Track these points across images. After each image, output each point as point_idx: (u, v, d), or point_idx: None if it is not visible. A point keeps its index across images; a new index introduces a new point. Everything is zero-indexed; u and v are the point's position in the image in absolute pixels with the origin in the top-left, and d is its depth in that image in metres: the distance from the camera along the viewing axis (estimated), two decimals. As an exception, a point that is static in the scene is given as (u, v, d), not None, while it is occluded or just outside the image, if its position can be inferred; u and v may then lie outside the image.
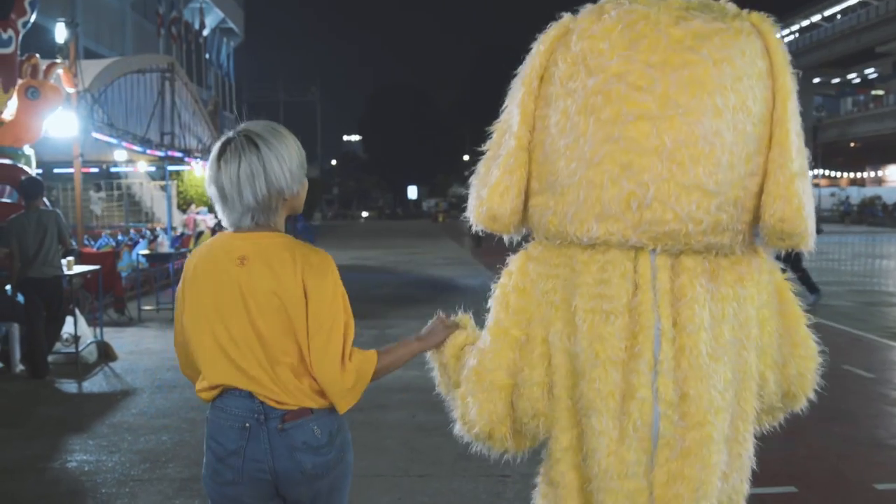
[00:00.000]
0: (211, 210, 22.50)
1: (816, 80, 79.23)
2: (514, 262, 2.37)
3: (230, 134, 2.31)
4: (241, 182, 2.24)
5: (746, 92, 2.04)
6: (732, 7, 2.14)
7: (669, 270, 2.14)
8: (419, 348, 2.55)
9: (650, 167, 2.02)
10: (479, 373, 2.32)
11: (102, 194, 19.45)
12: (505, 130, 2.30)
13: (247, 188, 2.24)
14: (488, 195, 2.26)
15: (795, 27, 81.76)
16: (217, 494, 2.42)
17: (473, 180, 2.37)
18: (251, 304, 2.27)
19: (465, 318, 2.59)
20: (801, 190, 2.11)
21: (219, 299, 2.31)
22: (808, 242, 2.17)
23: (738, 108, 2.02)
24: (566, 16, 2.22)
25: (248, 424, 2.31)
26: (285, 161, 2.28)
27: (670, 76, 2.00)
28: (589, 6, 2.19)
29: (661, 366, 2.10)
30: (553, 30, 2.21)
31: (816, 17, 77.64)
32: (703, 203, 2.03)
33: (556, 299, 2.23)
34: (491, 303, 2.39)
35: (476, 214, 2.33)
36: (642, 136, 2.02)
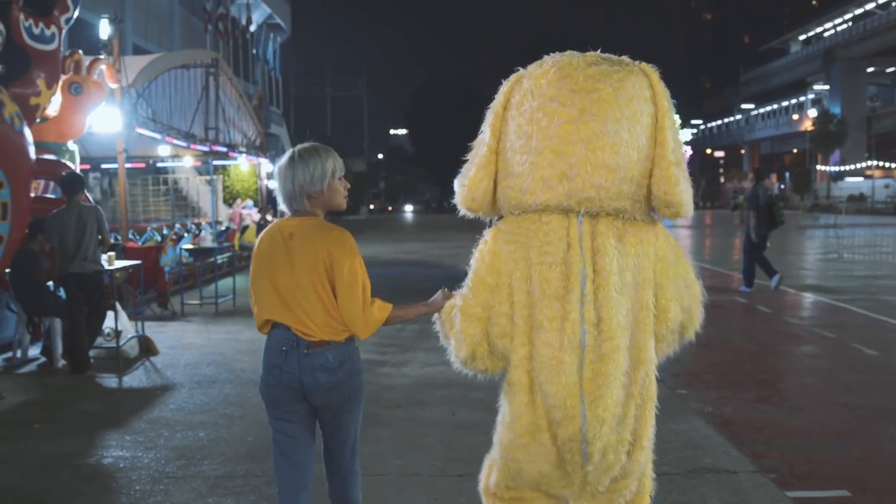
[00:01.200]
0: (256, 204, 22.62)
1: (870, 70, 77.55)
2: (488, 233, 3.44)
3: (292, 151, 3.51)
4: (283, 179, 3.45)
5: (636, 108, 3.13)
6: (628, 59, 3.28)
7: (590, 234, 3.19)
8: (425, 311, 3.59)
9: (574, 153, 3.10)
10: (463, 308, 3.37)
11: (97, 194, 19.47)
12: (479, 139, 3.43)
13: (287, 183, 3.44)
14: (468, 183, 3.40)
15: (849, 15, 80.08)
16: (266, 395, 3.51)
17: (458, 177, 3.46)
18: (295, 265, 3.37)
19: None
20: (676, 173, 3.16)
21: (274, 261, 3.42)
22: (685, 211, 3.22)
23: (630, 118, 3.11)
24: (520, 69, 3.38)
25: (284, 348, 3.40)
26: (308, 170, 3.40)
27: (585, 97, 3.10)
28: (536, 62, 3.34)
29: (585, 298, 3.14)
30: (512, 78, 3.38)
31: (870, 5, 75.88)
32: (609, 176, 3.10)
33: (517, 256, 3.28)
34: (471, 261, 3.43)
35: (460, 198, 3.44)
36: (568, 133, 3.10)
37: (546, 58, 3.31)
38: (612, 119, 3.07)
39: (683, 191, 3.18)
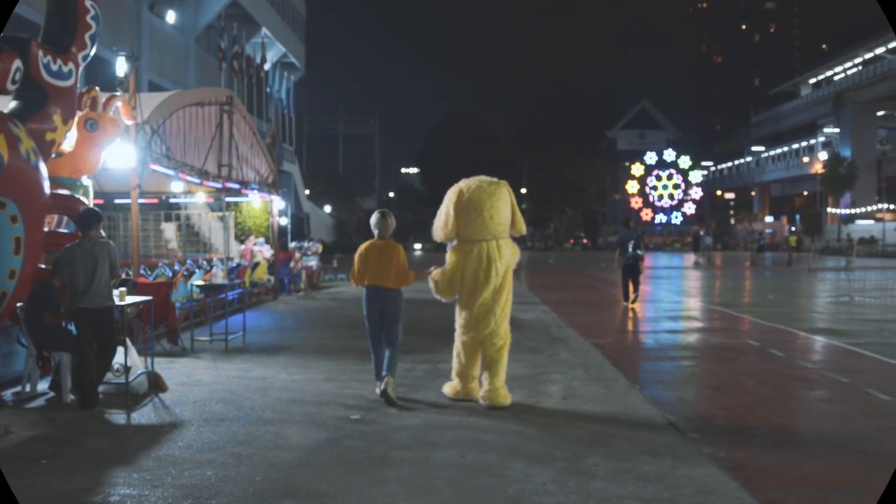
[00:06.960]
0: (267, 241, 22.65)
1: (880, 113, 77.65)
2: (451, 249, 8.51)
3: (380, 210, 8.86)
4: (381, 225, 8.63)
5: (505, 201, 8.39)
6: (499, 179, 8.57)
7: (494, 247, 8.34)
8: (426, 276, 8.59)
9: (487, 222, 8.26)
10: (442, 272, 8.54)
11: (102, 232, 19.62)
12: (445, 213, 8.44)
13: (386, 226, 8.64)
14: (441, 232, 8.55)
15: (859, 60, 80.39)
16: (367, 313, 8.57)
17: (435, 222, 8.61)
18: (382, 258, 8.47)
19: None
20: (522, 221, 8.61)
21: (372, 257, 8.51)
22: (522, 231, 8.65)
23: (504, 205, 8.36)
24: (462, 183, 8.48)
25: (374, 293, 8.51)
26: (391, 220, 8.72)
27: (490, 197, 8.27)
28: (471, 180, 8.48)
29: (490, 273, 8.46)
30: (456, 187, 8.44)
31: (880, 50, 76.24)
32: (500, 228, 8.35)
33: (462, 258, 8.39)
34: (446, 258, 8.51)
35: (437, 237, 8.62)
36: (486, 216, 8.24)
37: (471, 179, 8.34)
38: (498, 205, 8.13)
39: (524, 228, 8.54)
